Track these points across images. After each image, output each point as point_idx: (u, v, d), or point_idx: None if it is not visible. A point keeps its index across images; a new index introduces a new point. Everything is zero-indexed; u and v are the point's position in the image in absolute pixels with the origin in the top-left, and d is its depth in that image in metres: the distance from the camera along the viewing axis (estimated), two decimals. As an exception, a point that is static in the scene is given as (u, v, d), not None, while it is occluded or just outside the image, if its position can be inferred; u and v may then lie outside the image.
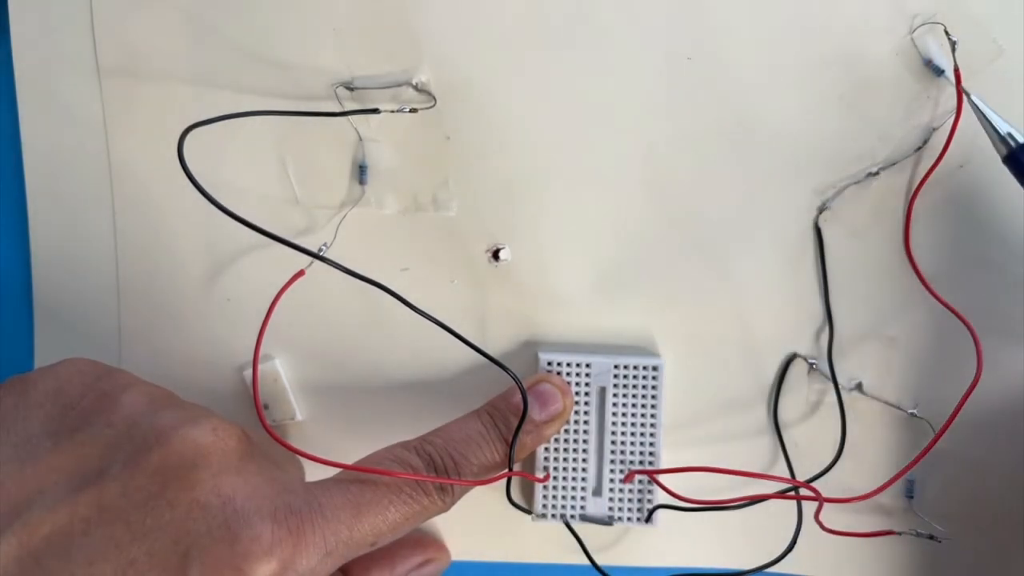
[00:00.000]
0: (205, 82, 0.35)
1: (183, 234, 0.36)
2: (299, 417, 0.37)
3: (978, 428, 0.35)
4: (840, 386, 0.36)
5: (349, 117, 0.35)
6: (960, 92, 0.34)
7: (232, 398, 0.37)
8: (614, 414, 0.36)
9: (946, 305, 0.35)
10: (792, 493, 0.35)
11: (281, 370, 0.37)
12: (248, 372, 0.36)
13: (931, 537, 0.35)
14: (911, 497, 0.36)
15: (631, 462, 0.36)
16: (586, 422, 0.36)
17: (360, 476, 0.29)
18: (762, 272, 0.36)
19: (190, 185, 0.29)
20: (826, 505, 0.35)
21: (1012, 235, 0.36)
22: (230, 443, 0.28)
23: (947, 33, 0.34)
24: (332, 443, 0.37)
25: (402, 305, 0.32)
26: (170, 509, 0.26)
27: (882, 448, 0.36)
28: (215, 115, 0.31)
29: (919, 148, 0.35)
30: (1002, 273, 0.36)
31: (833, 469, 0.36)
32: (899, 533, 0.35)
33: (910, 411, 0.36)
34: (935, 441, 0.34)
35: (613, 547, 0.37)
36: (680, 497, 0.34)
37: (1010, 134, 0.32)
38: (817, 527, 0.33)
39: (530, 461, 0.36)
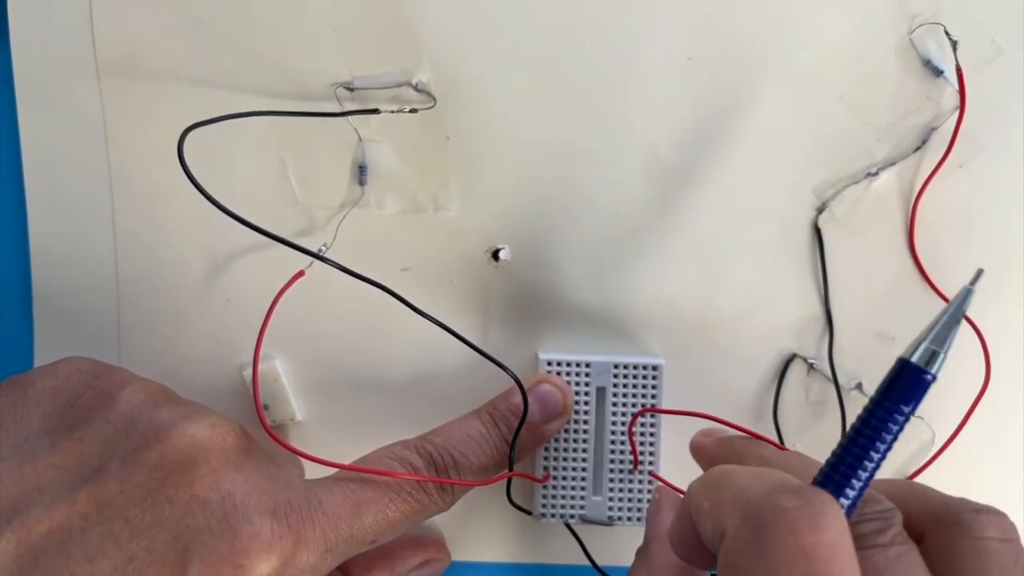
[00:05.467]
0: (205, 82, 0.35)
1: (183, 234, 0.36)
2: (299, 417, 0.37)
3: (979, 427, 0.35)
4: (840, 386, 0.36)
5: (349, 117, 0.35)
6: (963, 92, 0.34)
7: (232, 398, 0.36)
8: (614, 414, 0.36)
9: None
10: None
11: (281, 370, 0.37)
12: (248, 372, 0.36)
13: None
14: (911, 497, 0.36)
15: (631, 462, 0.36)
16: (586, 422, 0.36)
17: (360, 474, 0.29)
18: (762, 272, 0.36)
19: (190, 185, 0.29)
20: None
21: (1012, 235, 0.36)
22: (229, 439, 0.28)
23: (947, 33, 0.34)
24: (332, 443, 0.37)
25: (402, 305, 0.32)
26: (169, 505, 0.26)
27: (882, 448, 0.36)
28: (215, 115, 0.31)
29: (918, 148, 0.35)
30: (1001, 273, 0.36)
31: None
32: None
33: (910, 411, 0.36)
34: (944, 448, 0.34)
35: (613, 547, 0.37)
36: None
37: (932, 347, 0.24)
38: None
39: (530, 461, 0.36)
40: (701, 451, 0.31)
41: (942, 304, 0.35)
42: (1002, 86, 0.35)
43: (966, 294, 0.23)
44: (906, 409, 0.23)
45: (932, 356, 0.23)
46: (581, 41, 0.35)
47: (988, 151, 0.35)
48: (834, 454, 0.23)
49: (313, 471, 0.31)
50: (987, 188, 0.35)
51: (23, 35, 0.35)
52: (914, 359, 0.23)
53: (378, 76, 0.35)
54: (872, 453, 0.23)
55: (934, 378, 0.23)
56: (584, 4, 0.35)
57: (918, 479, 0.36)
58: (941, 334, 0.23)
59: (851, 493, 0.23)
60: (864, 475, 0.23)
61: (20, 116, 0.36)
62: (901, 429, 0.23)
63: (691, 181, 0.36)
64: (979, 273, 0.24)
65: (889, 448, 0.23)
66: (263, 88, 0.35)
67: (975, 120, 0.35)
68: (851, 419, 0.36)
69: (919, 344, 0.23)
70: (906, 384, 0.23)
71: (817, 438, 0.37)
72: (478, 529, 0.37)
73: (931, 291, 0.35)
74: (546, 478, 0.36)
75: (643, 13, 0.35)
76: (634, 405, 0.36)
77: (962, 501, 0.24)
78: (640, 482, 0.36)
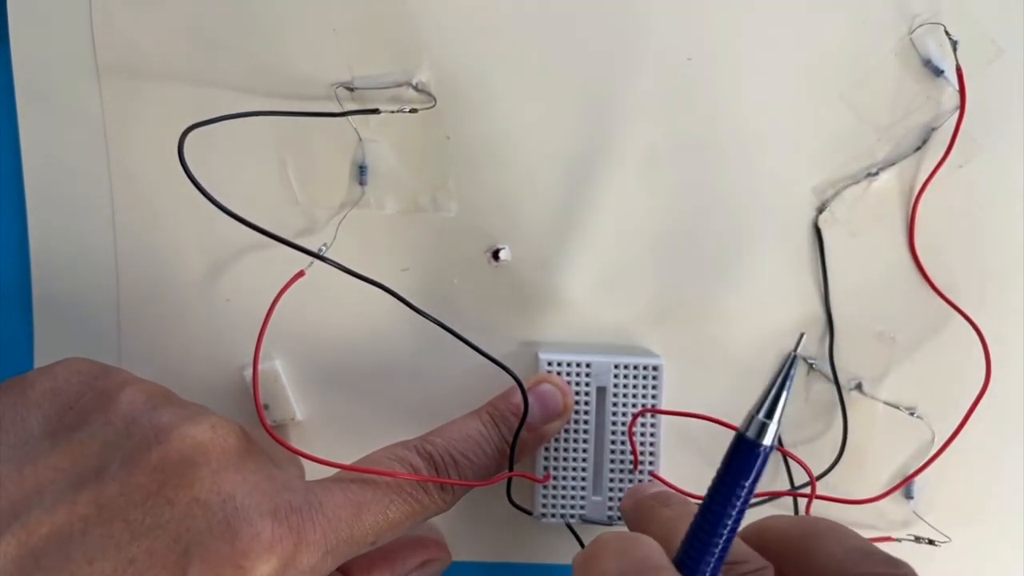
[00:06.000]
0: (205, 82, 0.35)
1: (183, 234, 0.36)
2: (299, 417, 0.37)
3: (978, 427, 0.35)
4: (840, 386, 0.36)
5: (349, 117, 0.35)
6: (963, 92, 0.34)
7: (232, 398, 0.36)
8: (614, 414, 0.36)
9: (956, 308, 0.35)
10: (798, 491, 0.35)
11: (281, 370, 0.37)
12: (248, 372, 0.36)
13: (931, 542, 0.35)
14: (911, 498, 0.36)
15: (631, 462, 0.36)
16: (586, 422, 0.36)
17: (360, 475, 0.29)
18: (762, 272, 0.36)
19: (190, 185, 0.29)
20: (825, 505, 0.35)
21: (1012, 235, 0.36)
22: (229, 440, 0.28)
23: (947, 33, 0.34)
24: (332, 443, 0.37)
25: (402, 305, 0.32)
26: (169, 507, 0.26)
27: (881, 449, 0.36)
28: (215, 115, 0.31)
29: (918, 148, 0.35)
30: (1001, 273, 0.36)
31: (831, 469, 0.36)
32: (898, 540, 0.35)
33: (909, 412, 0.36)
34: (943, 449, 0.34)
35: (613, 547, 0.37)
36: (688, 494, 0.34)
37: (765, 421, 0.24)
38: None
39: (530, 461, 0.36)
40: (623, 514, 0.32)
41: (943, 304, 0.35)
42: (1002, 86, 0.35)
43: (791, 361, 0.24)
44: (745, 483, 0.24)
45: (763, 428, 0.23)
46: (581, 41, 0.35)
47: (988, 151, 0.35)
48: (689, 531, 0.24)
49: (313, 471, 0.31)
50: (987, 188, 0.35)
51: (23, 35, 0.35)
52: (748, 433, 0.23)
53: (378, 76, 0.35)
54: (721, 529, 0.24)
55: (770, 448, 0.24)
56: (584, 4, 0.35)
57: (918, 479, 0.36)
58: (771, 405, 0.24)
59: (707, 570, 0.24)
60: (717, 551, 0.24)
61: (20, 116, 0.36)
62: (747, 501, 0.24)
63: (691, 181, 0.36)
64: (801, 337, 0.25)
65: (739, 519, 0.24)
66: (263, 88, 0.35)
67: (975, 120, 0.35)
68: (852, 419, 0.36)
69: (751, 418, 0.24)
70: (743, 459, 0.24)
71: (817, 438, 0.37)
72: (478, 529, 0.37)
73: (931, 291, 0.35)
74: (546, 478, 0.36)
75: (643, 13, 0.35)
76: (634, 405, 0.36)
77: (873, 559, 0.24)
78: (640, 482, 0.36)
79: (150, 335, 0.36)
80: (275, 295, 0.33)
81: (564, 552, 0.37)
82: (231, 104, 0.35)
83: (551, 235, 0.36)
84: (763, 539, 0.26)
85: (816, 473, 0.35)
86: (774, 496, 0.35)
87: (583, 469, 0.36)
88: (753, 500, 0.34)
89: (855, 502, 0.35)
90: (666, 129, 0.35)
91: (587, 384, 0.36)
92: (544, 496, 0.36)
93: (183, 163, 0.29)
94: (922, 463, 0.35)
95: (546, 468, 0.36)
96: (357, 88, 0.35)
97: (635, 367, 0.35)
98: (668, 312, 0.36)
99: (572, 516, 0.36)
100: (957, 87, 0.34)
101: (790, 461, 0.36)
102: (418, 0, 0.35)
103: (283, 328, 0.36)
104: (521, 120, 0.35)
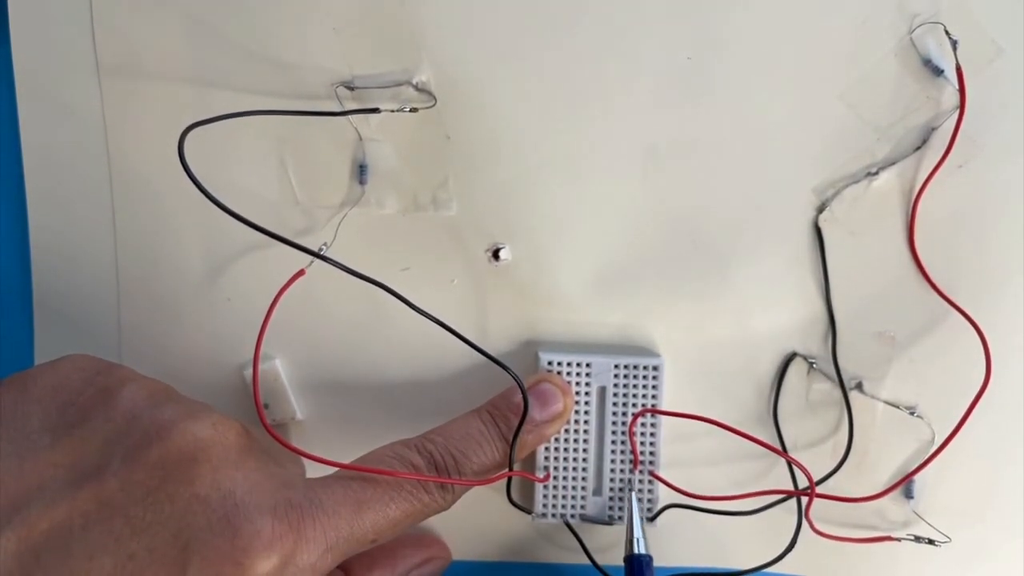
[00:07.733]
0: (205, 82, 0.35)
1: (183, 234, 0.36)
2: (299, 416, 0.37)
3: (978, 426, 0.35)
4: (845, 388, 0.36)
5: (349, 117, 0.35)
6: (963, 91, 0.34)
7: (232, 397, 0.36)
8: (614, 414, 0.36)
9: (956, 307, 0.35)
10: (798, 490, 0.35)
11: (281, 370, 0.37)
12: (248, 371, 0.36)
13: (931, 542, 0.35)
14: (911, 497, 0.36)
15: (631, 462, 0.36)
16: (586, 422, 0.36)
17: (361, 473, 0.29)
18: (762, 272, 0.36)
19: (190, 184, 0.29)
20: (825, 505, 0.35)
21: (1012, 235, 0.36)
22: (230, 437, 0.28)
23: (947, 33, 0.34)
24: (332, 442, 0.37)
25: (402, 305, 0.32)
26: (170, 503, 0.26)
27: (881, 448, 0.36)
28: (215, 115, 0.31)
29: (918, 148, 0.35)
30: (1001, 273, 0.36)
31: (835, 472, 0.36)
32: (898, 539, 0.35)
33: (909, 411, 0.36)
34: (942, 448, 0.34)
35: (613, 547, 0.37)
36: (687, 494, 0.34)
37: (638, 539, 0.34)
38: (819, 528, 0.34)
39: (530, 461, 0.36)
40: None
41: (942, 303, 0.35)
42: (1002, 86, 0.35)
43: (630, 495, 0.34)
44: None
45: (637, 543, 0.33)
46: (581, 41, 0.35)
47: (988, 151, 0.35)
48: None
49: (314, 470, 0.31)
50: (987, 188, 0.35)
51: (23, 35, 0.35)
52: (636, 552, 0.33)
53: (378, 75, 0.35)
54: None
55: (648, 556, 0.33)
56: (584, 4, 0.35)
57: (918, 478, 0.36)
58: (632, 531, 0.34)
59: None
60: None
61: (20, 116, 0.36)
62: None
63: (691, 181, 0.36)
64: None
65: None
66: (263, 88, 0.35)
67: (975, 120, 0.35)
68: (856, 418, 0.36)
69: (629, 542, 0.33)
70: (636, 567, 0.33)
71: (817, 438, 0.37)
72: (478, 528, 0.37)
73: (931, 291, 0.35)
74: (546, 478, 0.36)
75: (643, 13, 0.35)
76: (634, 405, 0.35)
77: None
78: (640, 482, 0.36)
79: (150, 335, 0.36)
80: (275, 294, 0.33)
81: (564, 552, 0.37)
82: (231, 104, 0.35)
83: (551, 235, 0.36)
84: None
85: (819, 473, 0.35)
86: (777, 495, 0.35)
87: (583, 469, 0.36)
88: (761, 504, 0.34)
89: (855, 500, 0.35)
90: (666, 128, 0.35)
91: (587, 384, 0.36)
92: (544, 495, 0.36)
93: (183, 162, 0.29)
94: (922, 462, 0.35)
95: (546, 468, 0.36)
96: (357, 87, 0.35)
97: (635, 367, 0.35)
98: (668, 312, 0.36)
99: (572, 515, 0.36)
100: (957, 87, 0.34)
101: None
102: (418, 0, 0.35)
103: (283, 328, 0.36)
104: (521, 120, 0.35)
